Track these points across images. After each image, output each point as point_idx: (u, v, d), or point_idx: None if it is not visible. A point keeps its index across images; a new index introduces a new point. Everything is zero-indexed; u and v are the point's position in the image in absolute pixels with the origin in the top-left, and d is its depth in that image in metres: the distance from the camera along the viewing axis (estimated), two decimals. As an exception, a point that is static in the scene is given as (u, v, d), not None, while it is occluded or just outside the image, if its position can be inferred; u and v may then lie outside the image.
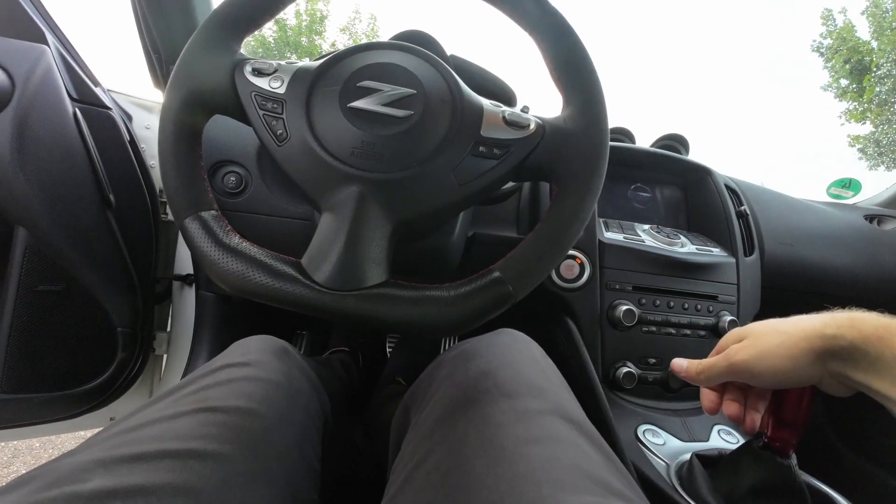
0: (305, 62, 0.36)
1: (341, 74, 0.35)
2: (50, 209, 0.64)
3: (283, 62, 0.36)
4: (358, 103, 0.34)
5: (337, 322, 0.95)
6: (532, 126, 0.36)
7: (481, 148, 0.34)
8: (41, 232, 0.64)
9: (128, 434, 0.29)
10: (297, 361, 0.44)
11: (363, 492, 0.64)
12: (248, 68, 0.35)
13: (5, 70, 0.63)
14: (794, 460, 0.41)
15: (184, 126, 0.35)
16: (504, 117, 0.36)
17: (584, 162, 0.35)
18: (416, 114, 0.34)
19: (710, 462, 0.50)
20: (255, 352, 0.41)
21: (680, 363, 0.45)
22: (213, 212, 0.35)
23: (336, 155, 0.33)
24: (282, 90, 0.35)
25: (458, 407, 0.33)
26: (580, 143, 0.35)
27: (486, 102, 0.36)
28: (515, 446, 0.28)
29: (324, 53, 0.44)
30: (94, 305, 0.69)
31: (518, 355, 0.38)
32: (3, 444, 1.45)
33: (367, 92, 0.34)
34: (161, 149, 0.35)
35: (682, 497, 0.47)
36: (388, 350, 0.97)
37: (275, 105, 0.34)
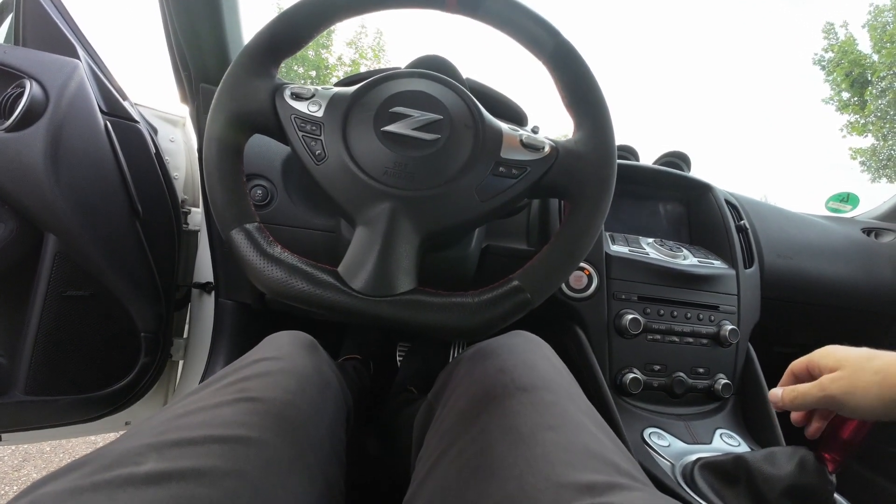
0: (340, 89, 0.39)
1: (375, 101, 0.38)
2: (81, 217, 0.66)
3: (319, 88, 0.40)
4: (390, 127, 0.37)
5: (355, 328, 0.98)
6: (547, 149, 0.39)
7: (501, 168, 0.38)
8: (72, 239, 0.67)
9: (175, 421, 0.31)
10: (324, 357, 0.47)
11: (375, 496, 0.66)
12: (287, 92, 0.38)
13: (40, 83, 0.66)
14: (834, 479, 0.44)
15: (228, 144, 0.38)
16: (521, 140, 0.39)
17: (594, 181, 0.38)
18: (443, 137, 0.37)
19: (717, 468, 0.52)
20: (286, 346, 0.43)
21: (775, 393, 0.46)
22: (256, 224, 0.38)
23: (370, 174, 0.36)
24: (320, 114, 0.38)
25: (478, 400, 0.35)
26: (590, 165, 0.39)
27: (504, 127, 0.40)
28: (533, 432, 0.31)
29: (351, 77, 0.47)
30: (119, 311, 0.72)
31: (531, 354, 0.41)
32: (13, 447, 1.46)
33: (399, 117, 0.37)
34: (207, 166, 0.38)
35: (687, 493, 0.49)
36: (398, 359, 1.00)
37: (313, 127, 0.37)
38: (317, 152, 0.37)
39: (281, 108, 0.38)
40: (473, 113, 0.39)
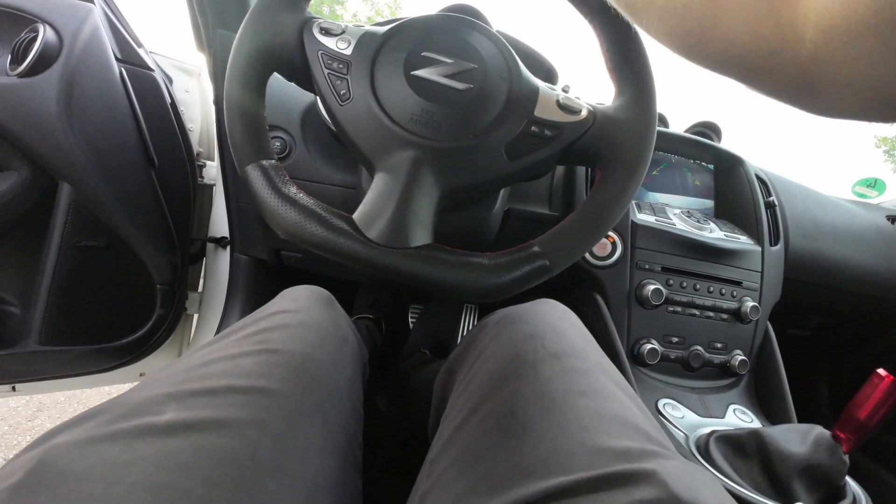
0: (372, 27, 0.37)
1: (407, 43, 0.36)
2: (96, 165, 0.65)
3: (350, 24, 0.37)
4: (421, 72, 0.35)
5: (367, 287, 0.98)
6: (584, 112, 0.37)
7: (533, 128, 0.36)
8: (86, 187, 0.66)
9: (195, 370, 0.31)
10: (341, 312, 0.46)
11: (384, 451, 0.67)
12: (316, 27, 0.36)
13: (53, 27, 0.64)
14: (847, 459, 0.44)
15: (251, 78, 0.36)
16: (558, 101, 0.37)
17: (630, 150, 0.36)
18: (476, 88, 0.35)
19: (732, 440, 0.52)
20: (304, 300, 0.43)
21: None
22: (273, 161, 0.36)
23: (396, 119, 0.34)
24: (348, 52, 0.36)
25: (507, 364, 0.35)
26: (628, 133, 0.37)
27: (542, 85, 0.37)
28: (565, 398, 0.30)
29: (389, 19, 0.45)
30: (134, 262, 0.71)
31: (560, 321, 0.40)
32: (27, 397, 1.49)
33: (431, 62, 0.35)
34: (228, 98, 0.36)
35: (702, 463, 0.49)
36: (410, 320, 1.00)
37: (340, 65, 0.36)
38: (341, 92, 0.35)
39: (308, 44, 0.36)
40: (510, 65, 0.36)
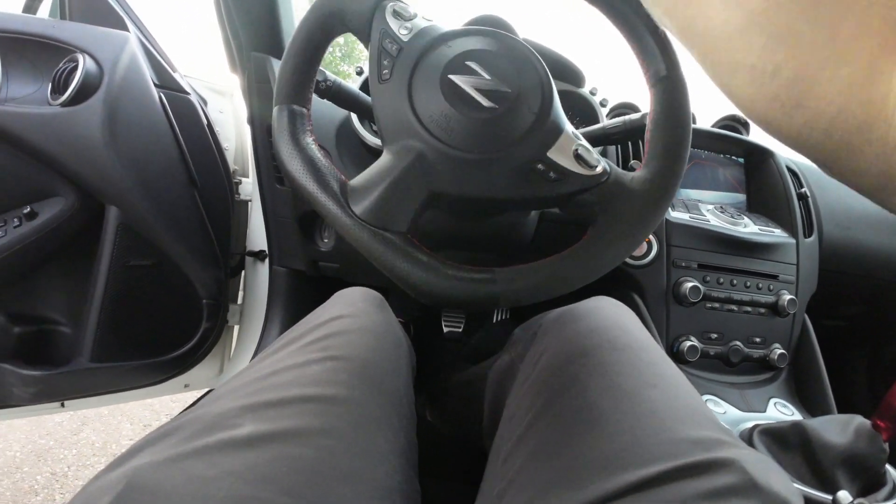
0: (434, 24, 0.39)
1: (457, 48, 0.37)
2: (142, 189, 0.68)
3: (419, 15, 0.39)
4: (456, 78, 0.36)
5: (396, 291, 0.99)
6: (598, 169, 0.36)
7: (539, 166, 0.36)
8: (134, 210, 0.68)
9: (264, 381, 0.32)
10: (391, 314, 0.47)
11: (435, 454, 0.68)
12: (389, 7, 0.38)
13: (93, 57, 0.66)
14: (887, 447, 0.44)
15: (316, 33, 0.38)
16: (576, 151, 0.36)
17: (628, 223, 0.36)
18: (500, 109, 0.35)
19: (775, 434, 0.52)
20: (360, 303, 0.45)
21: None
22: (303, 109, 0.39)
23: (417, 112, 0.36)
24: (406, 38, 0.37)
25: (573, 359, 0.35)
26: (633, 205, 0.36)
27: (569, 130, 0.37)
28: (635, 389, 0.31)
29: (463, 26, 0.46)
30: (181, 278, 0.74)
31: (620, 318, 0.40)
32: (73, 411, 1.52)
33: (470, 71, 0.36)
34: (290, 45, 0.38)
35: None
36: (443, 325, 1.01)
37: (394, 47, 0.37)
38: (384, 72, 0.37)
39: (377, 19, 0.38)
40: (545, 101, 0.36)
